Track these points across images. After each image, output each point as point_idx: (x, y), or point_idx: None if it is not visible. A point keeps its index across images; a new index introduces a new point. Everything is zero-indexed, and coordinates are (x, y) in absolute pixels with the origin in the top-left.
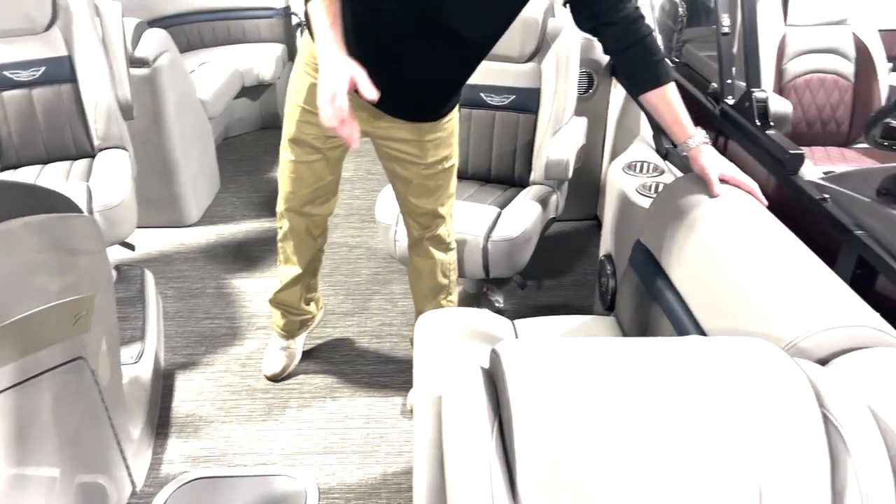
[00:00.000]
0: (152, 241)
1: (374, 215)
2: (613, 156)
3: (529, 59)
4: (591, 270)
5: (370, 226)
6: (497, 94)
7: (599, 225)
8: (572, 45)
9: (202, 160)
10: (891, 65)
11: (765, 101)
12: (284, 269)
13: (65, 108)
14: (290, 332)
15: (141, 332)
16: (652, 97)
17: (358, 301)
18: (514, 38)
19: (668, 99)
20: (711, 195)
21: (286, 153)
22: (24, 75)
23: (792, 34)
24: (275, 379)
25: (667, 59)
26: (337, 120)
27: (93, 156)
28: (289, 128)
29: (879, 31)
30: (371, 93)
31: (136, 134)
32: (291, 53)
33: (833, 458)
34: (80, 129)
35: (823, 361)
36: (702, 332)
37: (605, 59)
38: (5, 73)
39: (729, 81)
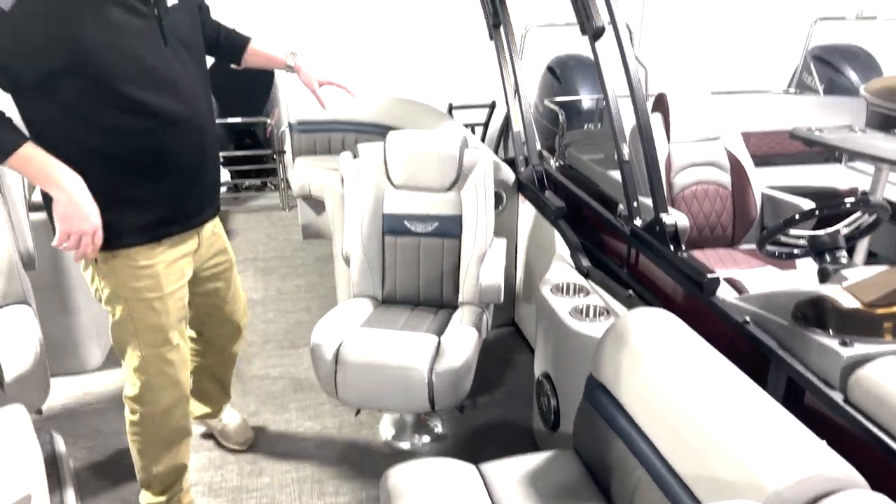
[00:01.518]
0: (52, 393)
1: (292, 340)
2: (527, 269)
3: (450, 189)
4: (521, 381)
5: (290, 353)
6: (421, 221)
7: (518, 331)
8: (487, 173)
9: None
10: (763, 179)
11: (674, 226)
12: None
13: None
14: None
15: None
16: (249, 55)
17: (290, 442)
18: (434, 170)
19: (256, 49)
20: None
21: (163, 351)
22: None
23: (676, 151)
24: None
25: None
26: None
27: None
28: (155, 335)
29: (742, 133)
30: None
31: (34, 280)
32: None
33: None
34: None
35: None
36: (673, 474)
37: (512, 177)
38: None
39: (635, 204)
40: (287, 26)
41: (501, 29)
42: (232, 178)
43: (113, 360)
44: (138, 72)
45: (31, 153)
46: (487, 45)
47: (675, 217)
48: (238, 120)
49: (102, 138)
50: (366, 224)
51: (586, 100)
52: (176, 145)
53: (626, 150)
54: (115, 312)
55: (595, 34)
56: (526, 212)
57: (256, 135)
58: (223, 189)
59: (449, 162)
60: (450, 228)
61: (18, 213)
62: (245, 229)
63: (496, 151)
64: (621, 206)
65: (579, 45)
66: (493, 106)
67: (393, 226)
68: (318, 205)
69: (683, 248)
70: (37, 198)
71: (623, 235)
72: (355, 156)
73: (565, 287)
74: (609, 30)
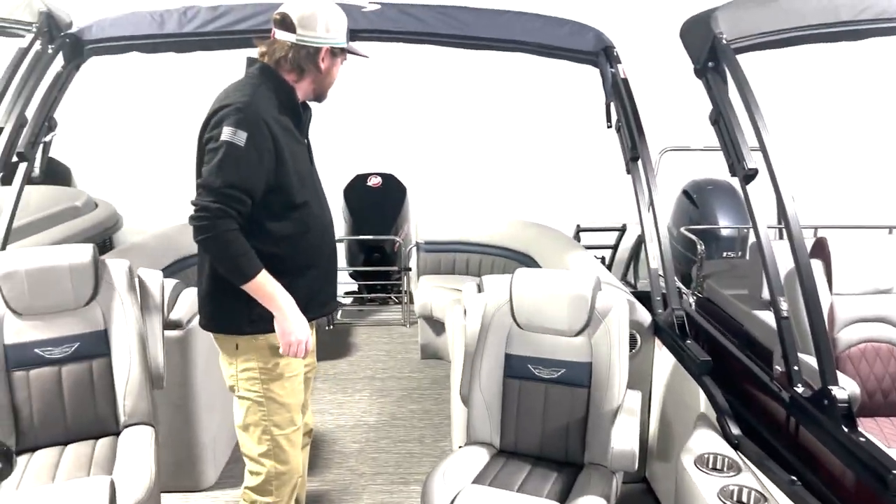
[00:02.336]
0: None
1: (402, 475)
2: (663, 423)
3: (579, 333)
4: None
5: (400, 490)
6: (546, 366)
7: (649, 489)
8: (622, 320)
9: (224, 415)
10: None
11: (848, 403)
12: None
13: (94, 385)
14: None
15: None
16: None
17: None
18: (562, 312)
19: None
20: None
21: (289, 432)
22: (55, 352)
23: (839, 303)
24: None
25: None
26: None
27: (117, 433)
28: (285, 415)
29: None
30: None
31: (160, 397)
32: None
33: None
34: (107, 406)
35: None
36: None
37: (648, 318)
38: (36, 350)
39: (796, 368)
40: (413, 142)
41: (639, 162)
42: (359, 290)
43: (226, 479)
44: (302, 183)
45: (264, 280)
46: (617, 167)
47: (847, 388)
48: (369, 237)
49: (268, 241)
50: (487, 364)
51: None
52: (320, 243)
53: (783, 304)
54: (252, 394)
55: (747, 177)
56: (663, 358)
57: (385, 249)
58: (349, 300)
59: (580, 304)
60: (578, 377)
61: (156, 333)
62: (366, 344)
63: (624, 277)
64: (778, 367)
65: (716, 169)
66: (623, 229)
67: (516, 369)
68: (438, 325)
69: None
70: (174, 315)
71: (780, 402)
72: (480, 288)
73: (712, 460)
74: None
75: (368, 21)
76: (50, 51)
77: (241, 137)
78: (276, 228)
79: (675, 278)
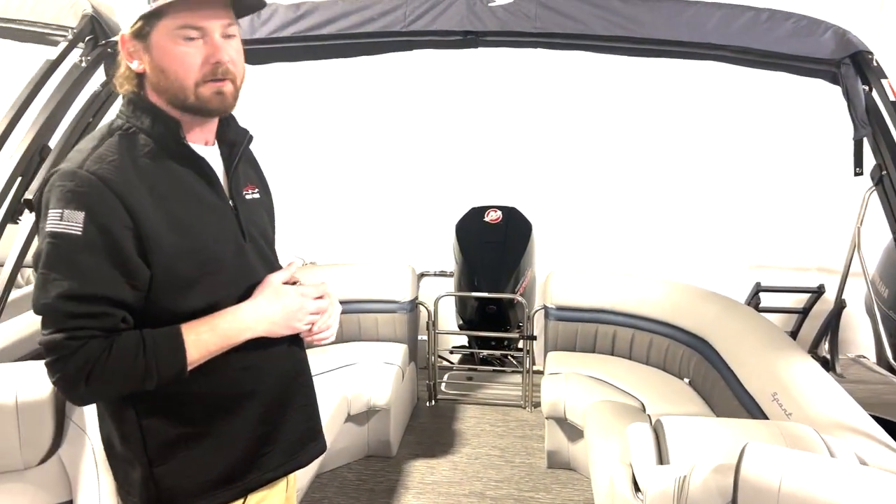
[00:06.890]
0: None
1: None
2: None
3: None
4: None
5: None
6: None
7: None
8: None
9: None
10: None
11: None
12: None
13: None
14: None
15: None
16: None
17: None
18: None
19: None
20: None
21: None
22: None
23: None
24: None
25: None
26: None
27: None
28: None
29: None
30: None
31: None
32: (412, 354)
33: None
34: None
35: None
36: None
37: None
38: None
39: None
40: (543, 170)
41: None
42: (469, 344)
43: None
44: (207, 270)
45: (197, 345)
46: (807, 206)
47: None
48: (483, 295)
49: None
50: None
51: None
52: (266, 361)
53: None
54: None
55: None
56: None
57: (503, 301)
58: (455, 357)
59: None
60: None
61: None
62: (475, 434)
63: (814, 350)
64: None
65: None
66: (819, 291)
67: None
68: (573, 431)
69: None
70: None
71: None
72: (659, 440)
73: None
74: None
75: (498, 21)
76: (84, 64)
77: (76, 220)
78: None
79: None
